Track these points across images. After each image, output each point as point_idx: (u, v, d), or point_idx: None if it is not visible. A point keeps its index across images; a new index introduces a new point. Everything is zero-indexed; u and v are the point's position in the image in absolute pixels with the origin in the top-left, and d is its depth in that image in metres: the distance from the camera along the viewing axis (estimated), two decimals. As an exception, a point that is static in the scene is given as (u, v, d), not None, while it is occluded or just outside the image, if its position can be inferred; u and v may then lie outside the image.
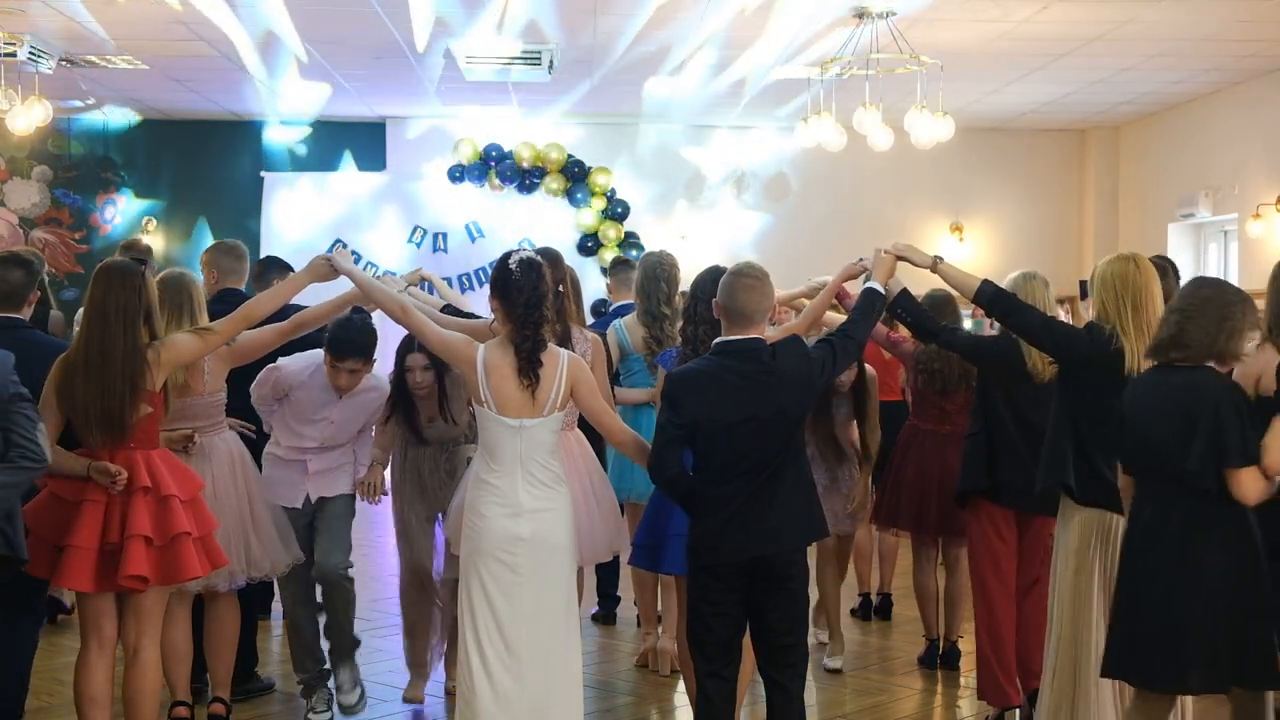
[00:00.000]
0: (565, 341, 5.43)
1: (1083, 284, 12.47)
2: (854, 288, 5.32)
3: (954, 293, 5.68)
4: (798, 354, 4.54)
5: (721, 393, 4.42)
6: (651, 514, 5.27)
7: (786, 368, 4.47)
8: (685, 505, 4.57)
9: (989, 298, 5.06)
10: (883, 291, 4.89)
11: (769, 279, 4.57)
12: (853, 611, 7.80)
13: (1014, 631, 5.71)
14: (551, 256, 5.86)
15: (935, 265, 5.14)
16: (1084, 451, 4.85)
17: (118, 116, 13.58)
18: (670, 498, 4.70)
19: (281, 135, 13.78)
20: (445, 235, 13.43)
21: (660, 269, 6.77)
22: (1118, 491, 4.66)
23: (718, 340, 4.56)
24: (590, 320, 12.62)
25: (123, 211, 13.78)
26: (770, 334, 4.70)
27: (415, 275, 6.00)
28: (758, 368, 4.44)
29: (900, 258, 5.08)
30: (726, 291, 4.52)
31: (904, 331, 6.12)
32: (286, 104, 12.73)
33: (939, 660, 6.80)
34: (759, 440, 4.42)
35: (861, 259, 5.22)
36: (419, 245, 13.35)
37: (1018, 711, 5.76)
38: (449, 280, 13.08)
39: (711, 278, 5.03)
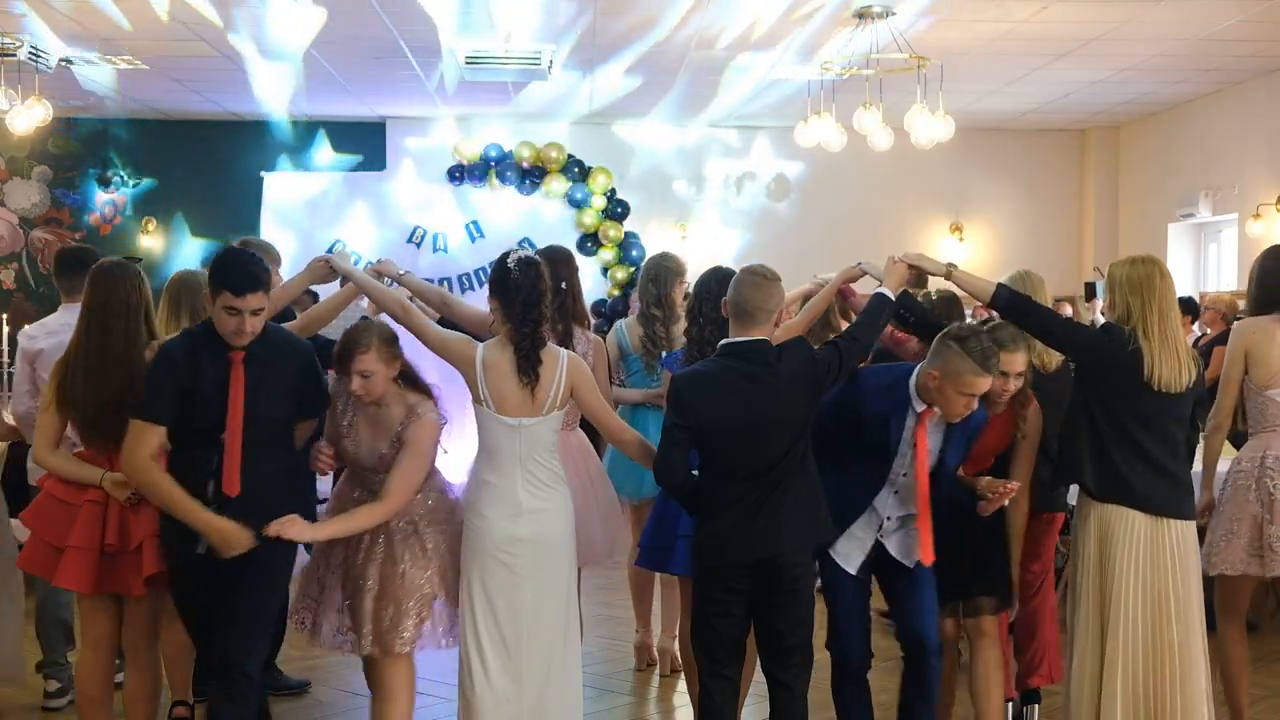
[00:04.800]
0: (566, 341, 5.41)
1: (1089, 285, 12.55)
2: (861, 289, 5.31)
3: (959, 292, 5.67)
4: (803, 356, 4.54)
5: (727, 395, 4.41)
6: (657, 515, 5.26)
7: (792, 369, 4.46)
8: (690, 507, 4.57)
9: (1005, 301, 5.07)
10: (892, 297, 4.87)
11: (779, 281, 4.57)
12: None
13: (1006, 626, 5.68)
14: (562, 256, 5.84)
15: (949, 273, 5.14)
16: (1100, 449, 4.86)
17: (118, 116, 13.58)
18: (676, 500, 4.69)
19: (281, 135, 13.77)
20: (445, 235, 13.43)
21: (650, 269, 6.77)
22: (1135, 488, 4.75)
23: (724, 342, 4.56)
24: (592, 321, 12.73)
25: (122, 211, 13.78)
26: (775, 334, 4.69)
27: (387, 268, 5.42)
28: (763, 369, 4.43)
29: (913, 266, 5.08)
30: (736, 289, 4.53)
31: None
32: (286, 104, 12.73)
33: None
34: (765, 442, 4.42)
35: (860, 262, 5.22)
36: (419, 245, 13.35)
37: (1009, 705, 5.74)
38: (448, 280, 13.13)
39: (715, 278, 5.03)
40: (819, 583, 4.85)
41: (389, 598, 4.57)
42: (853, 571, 4.78)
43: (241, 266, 4.42)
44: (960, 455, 4.81)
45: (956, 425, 4.68)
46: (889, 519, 4.77)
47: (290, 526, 4.36)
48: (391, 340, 4.60)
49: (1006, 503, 4.85)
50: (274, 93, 12.13)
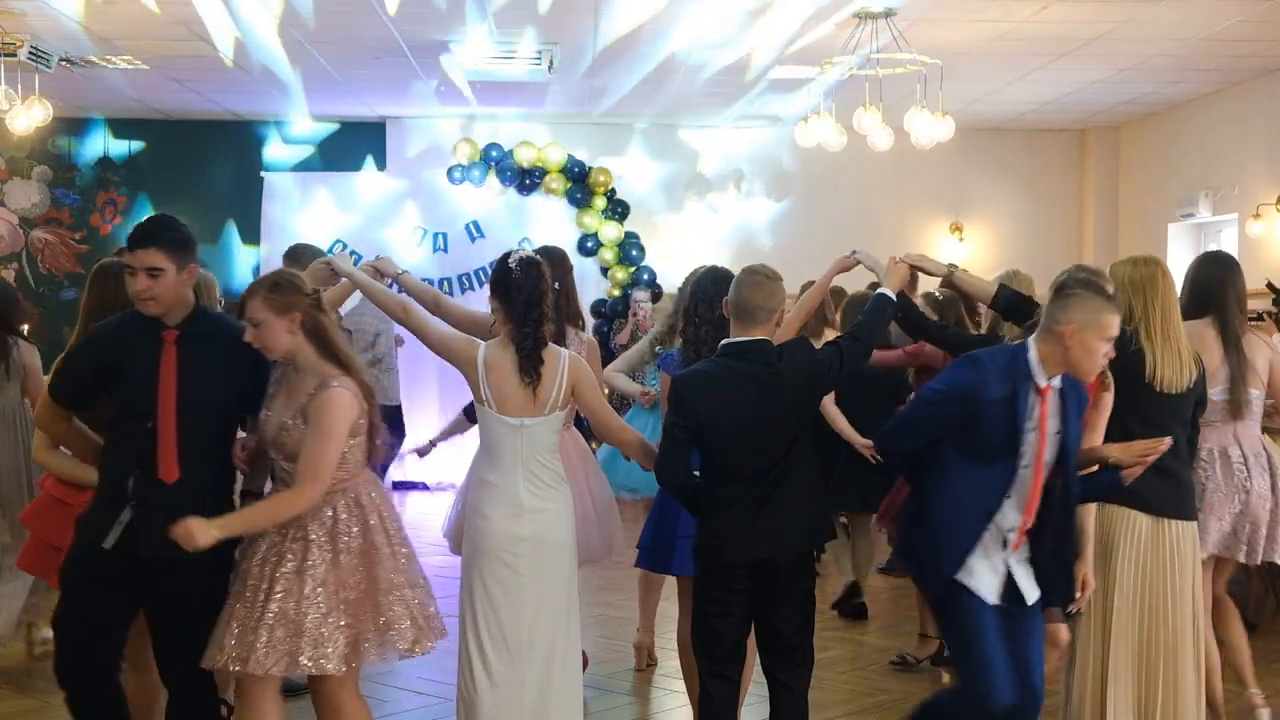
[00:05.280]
0: (560, 341, 5.42)
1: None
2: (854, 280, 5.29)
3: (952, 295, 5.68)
4: (804, 355, 4.54)
5: (728, 394, 4.42)
6: (657, 515, 5.27)
7: (793, 369, 4.46)
8: (692, 507, 4.58)
9: (1006, 302, 5.08)
10: (893, 297, 4.86)
11: (780, 280, 4.57)
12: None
13: None
14: (556, 256, 5.85)
15: (951, 274, 5.14)
16: None
17: (118, 116, 13.58)
18: (678, 500, 4.69)
19: (281, 135, 13.78)
20: (445, 235, 13.43)
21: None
22: (1137, 489, 4.71)
23: (725, 341, 4.56)
24: (592, 321, 12.76)
25: (122, 211, 13.78)
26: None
27: (385, 266, 5.34)
28: (764, 369, 4.43)
29: (915, 267, 5.08)
30: (737, 288, 4.54)
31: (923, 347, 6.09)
32: (286, 105, 12.72)
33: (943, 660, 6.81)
34: (766, 442, 4.42)
35: (854, 251, 5.20)
36: (419, 245, 13.35)
37: None
38: (448, 280, 13.14)
39: (711, 278, 5.05)
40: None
41: (229, 609, 4.19)
42: (992, 601, 4.30)
43: (142, 224, 4.33)
44: (1079, 433, 4.39)
45: (1072, 400, 4.31)
46: (1011, 532, 4.32)
47: (188, 534, 3.96)
48: (282, 288, 4.23)
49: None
50: (274, 92, 12.13)
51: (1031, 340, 4.32)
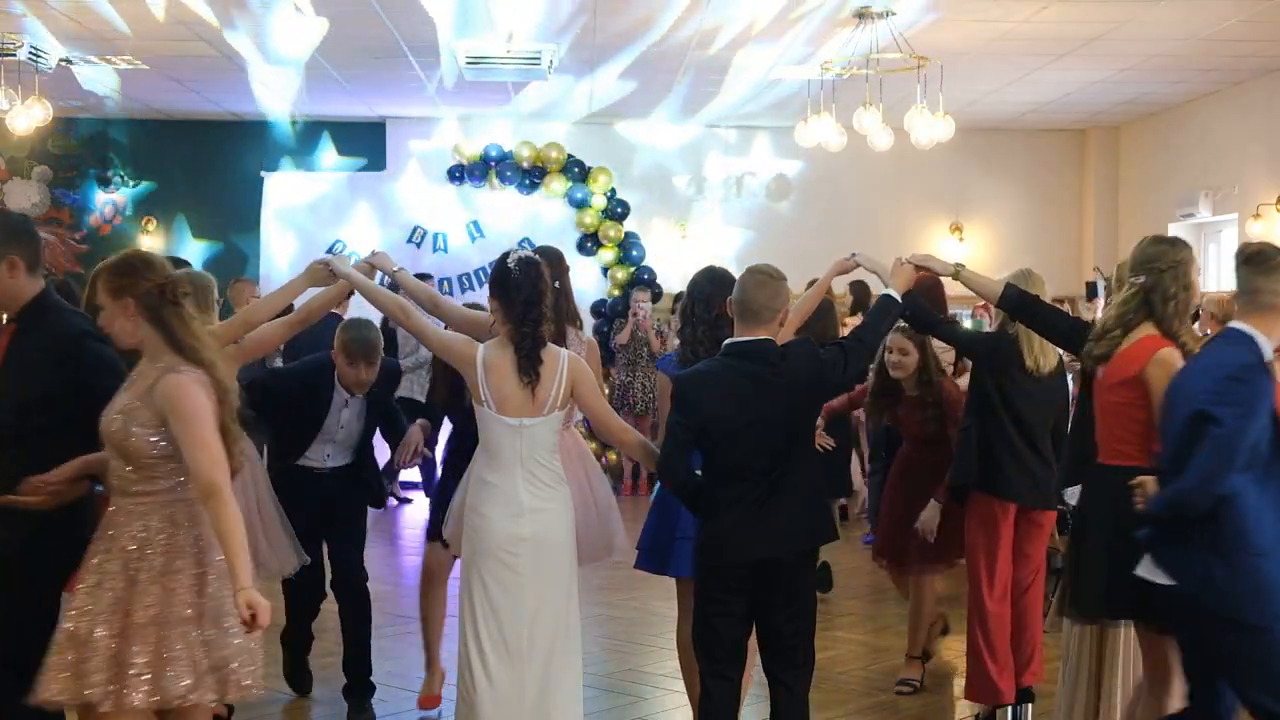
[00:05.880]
0: (560, 341, 5.42)
1: (1089, 285, 12.56)
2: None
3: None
4: (807, 355, 4.53)
5: (730, 394, 4.42)
6: (655, 516, 5.27)
7: (796, 369, 4.46)
8: (693, 507, 4.58)
9: (1014, 300, 5.08)
10: (899, 299, 4.87)
11: (784, 280, 4.57)
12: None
13: (1009, 626, 5.68)
14: (553, 256, 5.85)
15: (957, 273, 5.13)
16: None
17: (118, 116, 13.58)
18: (679, 500, 4.69)
19: (281, 135, 13.77)
20: (445, 235, 13.43)
21: None
22: None
23: (728, 341, 4.57)
24: (592, 321, 12.77)
25: (122, 211, 13.79)
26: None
27: (381, 261, 5.39)
28: (765, 369, 4.44)
29: (921, 267, 5.07)
30: (740, 288, 4.54)
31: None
32: (286, 105, 12.70)
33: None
34: (767, 442, 4.42)
35: (854, 254, 5.20)
36: (419, 245, 13.36)
37: (1010, 710, 5.74)
38: (448, 280, 13.14)
39: (708, 279, 5.05)
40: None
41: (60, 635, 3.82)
42: None
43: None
44: None
45: None
46: None
47: (255, 612, 3.60)
48: (120, 271, 3.98)
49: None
50: (274, 93, 12.13)
51: (1243, 324, 4.09)
